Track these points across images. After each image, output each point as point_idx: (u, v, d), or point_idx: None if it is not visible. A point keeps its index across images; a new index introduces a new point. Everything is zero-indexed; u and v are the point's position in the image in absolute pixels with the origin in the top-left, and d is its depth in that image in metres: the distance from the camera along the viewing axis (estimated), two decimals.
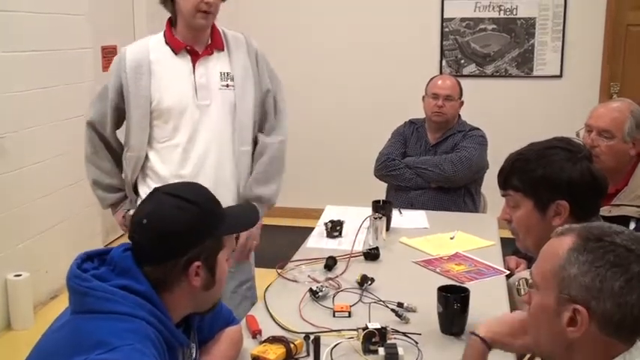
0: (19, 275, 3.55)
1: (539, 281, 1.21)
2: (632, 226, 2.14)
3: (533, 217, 1.66)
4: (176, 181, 2.22)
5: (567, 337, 1.14)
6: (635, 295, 1.09)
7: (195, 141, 2.33)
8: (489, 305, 1.96)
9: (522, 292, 1.27)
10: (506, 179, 1.71)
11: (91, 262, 1.38)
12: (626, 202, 2.21)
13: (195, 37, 2.32)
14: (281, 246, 2.88)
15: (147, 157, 2.37)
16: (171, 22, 2.36)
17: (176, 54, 2.32)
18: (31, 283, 3.61)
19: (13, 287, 3.53)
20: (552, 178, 1.63)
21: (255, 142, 2.43)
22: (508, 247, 2.55)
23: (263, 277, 2.29)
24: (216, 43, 2.37)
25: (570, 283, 1.13)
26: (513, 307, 2.06)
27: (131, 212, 2.33)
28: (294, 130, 5.43)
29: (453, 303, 1.78)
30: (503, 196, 1.74)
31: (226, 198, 2.28)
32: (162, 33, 2.37)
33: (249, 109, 2.37)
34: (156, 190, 1.43)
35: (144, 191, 2.38)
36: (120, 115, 2.40)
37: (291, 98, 5.50)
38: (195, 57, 2.33)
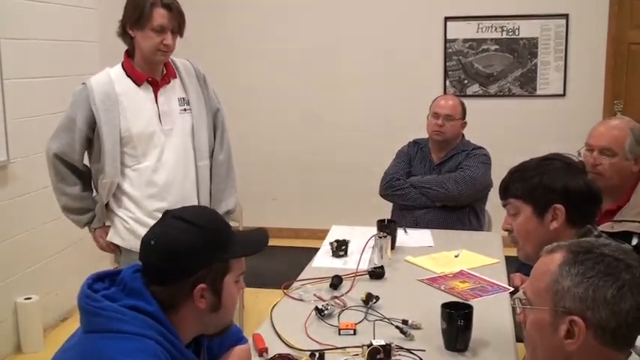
0: (29, 298, 3.58)
1: (532, 298, 1.23)
2: (635, 241, 2.16)
3: (532, 222, 1.75)
4: (148, 200, 2.52)
5: (565, 350, 1.16)
6: (628, 302, 1.11)
7: (162, 163, 2.55)
8: (493, 322, 1.99)
9: (518, 311, 1.30)
10: (507, 188, 1.82)
11: (102, 282, 1.41)
12: (628, 217, 2.23)
13: (152, 69, 2.53)
14: (287, 266, 2.91)
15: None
16: (128, 54, 2.54)
17: (139, 85, 2.52)
18: (41, 306, 3.64)
19: (23, 310, 3.56)
20: (549, 183, 1.74)
21: (211, 155, 2.70)
22: (513, 264, 2.57)
23: (269, 296, 2.32)
24: (170, 72, 2.59)
25: (564, 295, 1.16)
26: (517, 323, 2.08)
27: (107, 223, 2.62)
28: (299, 151, 5.53)
29: (457, 319, 1.80)
30: (504, 206, 1.83)
31: None
32: (119, 65, 2.55)
33: (205, 129, 2.64)
34: (166, 213, 1.47)
35: (122, 212, 2.58)
36: (88, 145, 2.55)
37: (296, 121, 5.59)
38: (156, 87, 2.54)
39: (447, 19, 5.17)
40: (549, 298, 1.18)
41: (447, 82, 5.25)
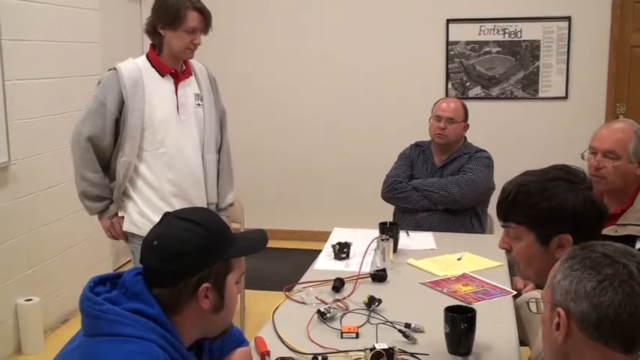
0: (30, 300, 3.58)
1: (543, 297, 1.26)
2: (639, 245, 2.15)
3: (535, 249, 1.65)
4: (164, 184, 2.69)
5: (558, 343, 1.18)
6: (609, 296, 1.12)
7: (179, 150, 2.72)
8: (496, 325, 1.98)
9: (532, 309, 1.33)
10: (508, 212, 1.69)
11: (104, 285, 1.40)
12: (631, 221, 2.22)
13: (176, 63, 2.73)
14: (289, 268, 2.90)
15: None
16: (154, 47, 2.71)
17: (162, 76, 2.70)
18: (42, 308, 3.63)
19: (23, 312, 3.55)
20: (557, 212, 1.60)
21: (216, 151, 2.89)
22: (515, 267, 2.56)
23: (271, 299, 2.31)
24: (188, 69, 2.79)
25: (556, 289, 1.20)
26: (520, 327, 2.07)
27: (120, 214, 2.74)
28: (303, 154, 5.53)
29: (460, 323, 1.79)
30: (503, 227, 1.72)
31: (201, 199, 2.79)
32: (144, 56, 2.72)
33: (213, 125, 2.84)
34: (166, 214, 1.46)
35: (137, 197, 2.71)
36: (116, 128, 2.67)
37: (297, 123, 5.59)
38: (177, 80, 2.73)
39: (449, 21, 5.17)
40: (550, 294, 1.22)
41: (449, 85, 5.25)
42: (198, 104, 2.78)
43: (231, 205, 2.97)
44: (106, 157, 2.71)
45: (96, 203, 2.74)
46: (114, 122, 2.64)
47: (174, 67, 2.70)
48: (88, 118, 2.66)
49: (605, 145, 2.32)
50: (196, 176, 2.78)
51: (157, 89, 2.68)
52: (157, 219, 1.47)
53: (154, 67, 2.69)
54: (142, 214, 2.70)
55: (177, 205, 2.61)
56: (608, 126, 2.42)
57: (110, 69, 2.68)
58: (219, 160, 2.91)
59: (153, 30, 2.66)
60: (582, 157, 2.39)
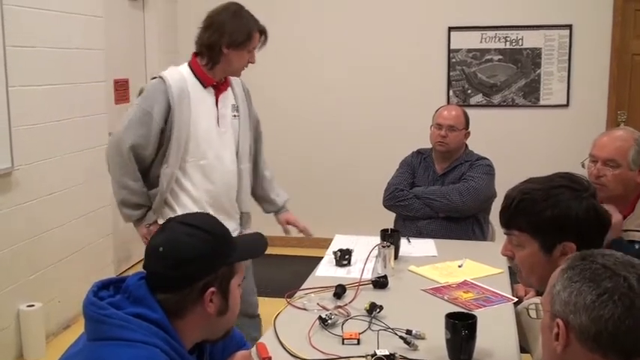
0: (32, 305, 3.58)
1: (542, 302, 1.26)
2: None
3: (538, 256, 1.64)
4: (202, 195, 2.69)
5: (557, 353, 1.18)
6: (609, 309, 1.11)
7: (219, 162, 2.72)
8: (497, 332, 1.98)
9: (532, 315, 1.33)
10: (511, 219, 1.69)
11: (107, 290, 1.41)
12: (632, 227, 2.23)
13: (220, 76, 2.72)
14: (290, 275, 2.90)
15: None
16: (196, 56, 2.67)
17: (205, 87, 2.68)
18: (44, 314, 3.64)
19: (25, 317, 3.56)
20: (560, 220, 1.60)
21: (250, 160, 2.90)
22: (516, 275, 2.56)
23: (273, 305, 2.31)
24: (227, 80, 2.78)
25: (555, 299, 1.19)
26: (521, 333, 2.08)
27: (160, 221, 2.68)
28: (304, 160, 5.53)
29: (461, 330, 1.80)
30: (506, 234, 1.73)
31: (234, 209, 2.81)
32: (186, 65, 2.69)
33: (248, 135, 2.85)
34: (169, 220, 1.47)
35: (179, 209, 2.67)
36: (160, 137, 2.64)
37: (299, 130, 5.59)
38: (217, 92, 2.73)
39: (450, 29, 5.19)
40: (550, 302, 1.21)
41: (451, 92, 5.27)
42: (235, 115, 2.78)
43: (287, 201, 3.12)
44: (145, 165, 2.67)
45: (135, 211, 2.71)
46: (159, 132, 2.61)
47: (217, 80, 2.70)
48: (132, 126, 2.60)
49: (605, 154, 2.33)
50: (231, 186, 2.78)
51: (201, 100, 2.67)
52: None
53: (196, 77, 2.67)
54: None
55: (214, 214, 2.57)
56: (608, 134, 2.43)
57: (154, 77, 2.66)
58: (256, 170, 2.96)
59: (217, 48, 2.61)
60: (582, 166, 2.39)
